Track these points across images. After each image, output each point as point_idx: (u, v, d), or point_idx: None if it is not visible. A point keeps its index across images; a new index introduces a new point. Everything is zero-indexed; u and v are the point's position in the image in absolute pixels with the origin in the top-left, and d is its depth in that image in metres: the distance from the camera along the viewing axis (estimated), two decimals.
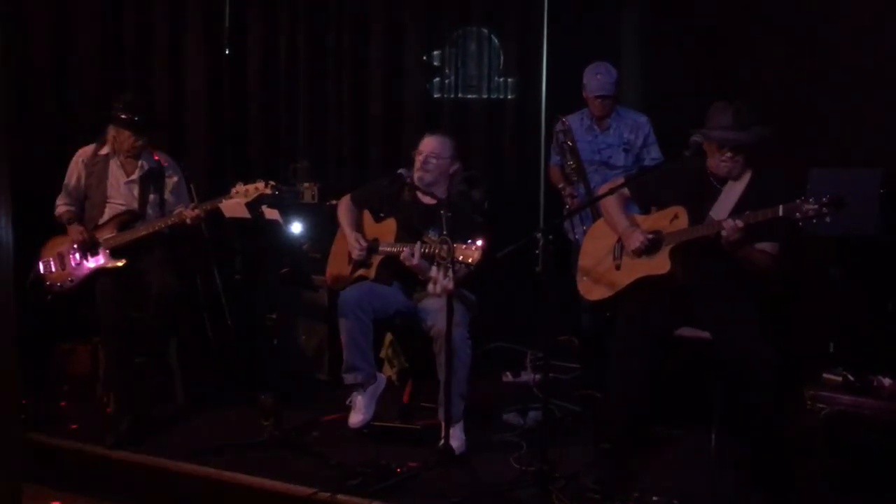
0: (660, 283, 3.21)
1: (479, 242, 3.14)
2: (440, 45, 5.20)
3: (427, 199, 3.72)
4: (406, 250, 3.49)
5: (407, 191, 3.77)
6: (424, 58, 5.20)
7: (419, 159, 3.69)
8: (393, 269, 3.71)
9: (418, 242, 3.49)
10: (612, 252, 3.43)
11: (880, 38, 4.19)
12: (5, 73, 4.47)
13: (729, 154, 3.14)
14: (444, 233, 3.21)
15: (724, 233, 2.98)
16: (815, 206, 2.78)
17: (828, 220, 2.78)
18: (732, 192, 3.19)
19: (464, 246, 3.15)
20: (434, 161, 3.68)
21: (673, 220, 3.24)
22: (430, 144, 3.71)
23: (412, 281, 3.68)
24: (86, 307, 3.92)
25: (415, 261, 3.47)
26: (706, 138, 3.16)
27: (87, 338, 4.38)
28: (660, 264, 3.21)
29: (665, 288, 3.22)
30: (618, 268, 3.39)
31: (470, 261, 3.14)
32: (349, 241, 3.79)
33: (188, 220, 3.83)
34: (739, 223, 2.95)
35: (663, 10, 4.82)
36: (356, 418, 3.65)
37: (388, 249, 3.68)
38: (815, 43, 4.37)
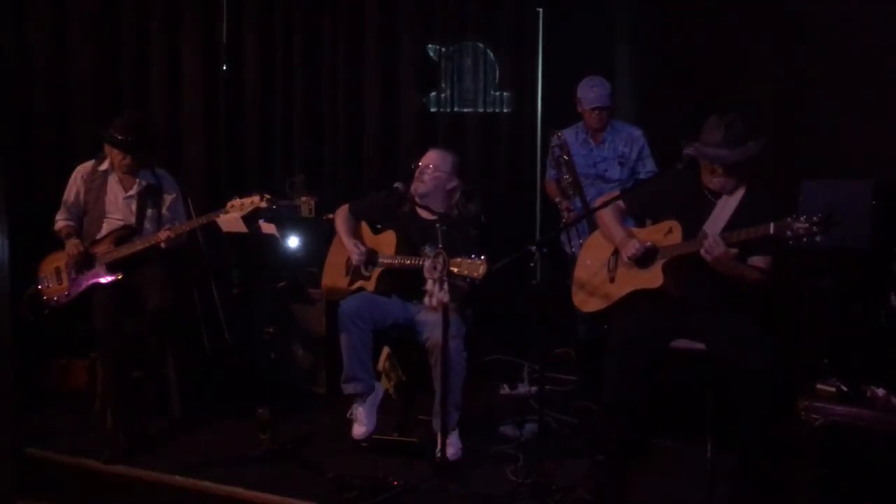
0: (654, 297, 3.23)
1: (483, 257, 3.15)
2: (436, 60, 5.24)
3: (425, 214, 3.74)
4: (428, 262, 3.43)
5: (405, 204, 3.80)
6: (420, 72, 5.24)
7: (418, 169, 3.74)
8: (392, 281, 3.74)
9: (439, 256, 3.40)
10: (607, 264, 3.45)
11: (871, 50, 4.23)
12: (3, 98, 4.53)
13: (721, 171, 3.16)
14: (440, 246, 3.23)
15: (702, 251, 3.00)
16: (806, 225, 2.79)
17: (818, 238, 2.79)
18: (726, 207, 3.21)
19: (468, 260, 3.16)
20: (431, 172, 3.72)
21: (667, 234, 3.26)
22: (430, 156, 3.78)
23: (410, 293, 3.70)
24: (83, 322, 3.93)
25: (437, 274, 3.38)
26: (699, 156, 3.19)
27: (84, 352, 4.38)
28: (653, 278, 3.23)
29: (659, 300, 3.23)
30: (612, 280, 3.41)
31: (475, 275, 3.15)
32: (349, 250, 3.80)
33: (161, 244, 3.84)
34: (718, 240, 2.96)
35: (656, 24, 4.87)
36: (359, 430, 3.66)
37: (389, 262, 3.70)
38: (807, 55, 4.41)
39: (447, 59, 5.23)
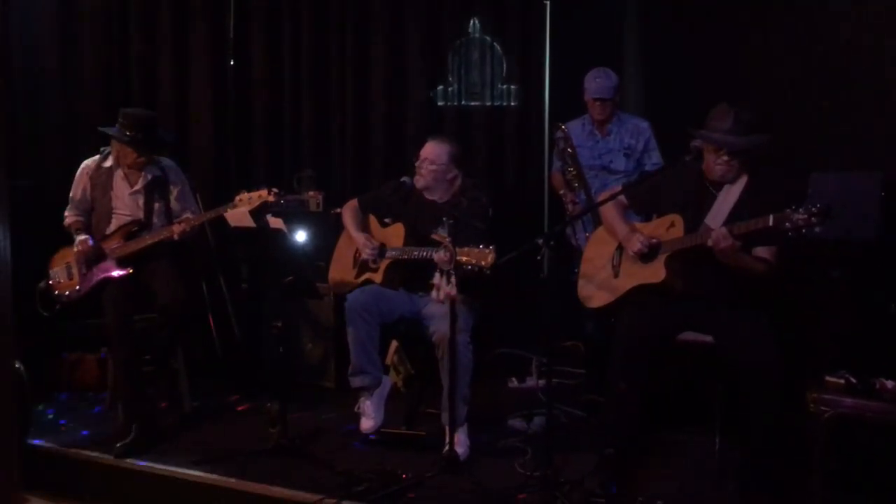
0: (657, 291, 3.23)
1: (492, 247, 3.17)
2: (443, 53, 5.24)
3: (437, 198, 3.80)
4: (441, 253, 3.41)
5: (413, 196, 3.84)
6: (427, 66, 5.24)
7: (417, 163, 3.79)
8: (400, 274, 3.76)
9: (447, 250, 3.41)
10: (612, 259, 3.45)
11: (880, 42, 4.20)
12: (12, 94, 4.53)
13: (725, 157, 3.16)
14: (449, 239, 3.24)
15: (710, 242, 3.00)
16: (805, 216, 2.79)
17: (817, 230, 2.78)
18: (728, 199, 3.21)
19: (476, 250, 3.18)
20: (428, 166, 3.76)
21: (669, 228, 3.26)
22: (427, 149, 3.81)
23: (417, 285, 3.71)
24: (94, 317, 3.96)
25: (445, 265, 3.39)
26: (705, 139, 3.18)
27: (95, 347, 4.41)
28: (655, 273, 3.23)
29: (664, 294, 3.23)
30: (616, 275, 3.41)
31: (484, 264, 3.16)
32: (359, 243, 3.82)
33: (175, 237, 3.86)
34: (725, 232, 2.96)
35: (664, 16, 4.85)
36: (367, 424, 3.68)
37: (397, 253, 3.71)
38: (815, 47, 4.38)
39: (454, 52, 5.22)
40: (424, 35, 5.22)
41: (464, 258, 3.18)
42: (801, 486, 3.08)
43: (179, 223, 3.89)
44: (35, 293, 4.04)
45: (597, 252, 3.55)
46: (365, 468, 3.33)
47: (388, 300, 3.72)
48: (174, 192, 4.12)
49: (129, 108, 4.10)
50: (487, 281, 3.32)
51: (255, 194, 3.76)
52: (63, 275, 4.04)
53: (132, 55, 5.31)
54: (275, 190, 3.75)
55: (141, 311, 3.92)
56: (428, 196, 3.78)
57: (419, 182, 3.79)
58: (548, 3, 4.91)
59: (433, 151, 3.79)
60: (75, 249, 3.99)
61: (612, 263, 3.45)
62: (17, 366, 3.99)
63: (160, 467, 3.50)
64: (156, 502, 3.49)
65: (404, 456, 3.51)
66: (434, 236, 3.53)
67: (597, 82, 4.18)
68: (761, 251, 3.12)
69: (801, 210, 2.80)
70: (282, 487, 3.25)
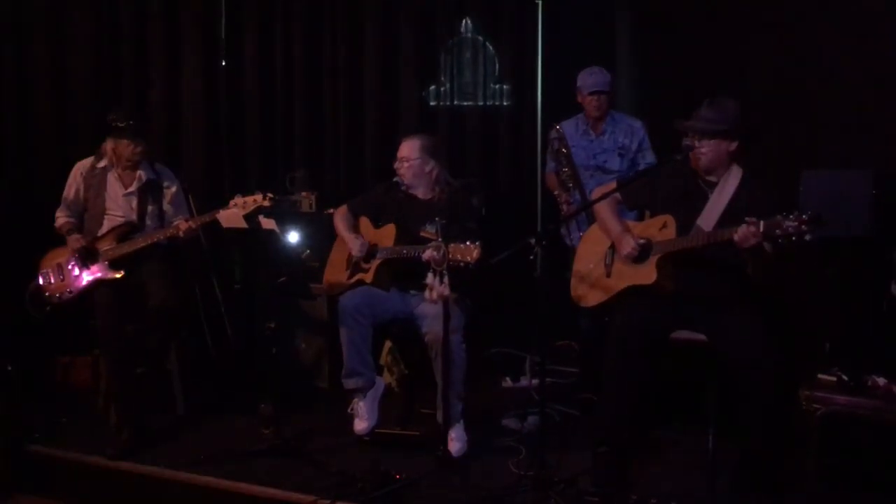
0: (649, 292, 3.24)
1: (478, 242, 3.18)
2: (435, 53, 5.24)
3: (421, 195, 3.83)
4: (429, 251, 3.38)
5: (404, 196, 3.87)
6: (420, 66, 5.24)
7: (396, 164, 3.86)
8: (390, 273, 3.76)
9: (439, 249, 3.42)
10: (604, 258, 3.45)
11: (872, 39, 4.22)
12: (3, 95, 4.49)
13: (696, 142, 3.17)
14: (440, 239, 3.24)
15: (736, 237, 2.94)
16: (795, 223, 2.76)
17: (807, 237, 2.76)
18: (720, 199, 3.20)
19: (462, 246, 3.19)
20: (404, 163, 3.82)
21: (662, 228, 3.26)
22: (401, 149, 3.87)
23: (408, 283, 3.72)
24: (85, 319, 3.94)
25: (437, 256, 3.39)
26: (678, 127, 3.20)
27: (87, 349, 4.40)
28: (647, 274, 3.22)
29: (657, 294, 3.24)
30: (608, 275, 3.41)
31: (469, 259, 3.17)
32: (349, 242, 3.83)
33: (181, 234, 3.85)
34: (753, 229, 2.89)
35: (657, 16, 4.86)
36: (361, 425, 3.68)
37: (387, 254, 3.72)
38: (808, 46, 4.40)
39: (447, 52, 5.22)
40: (417, 35, 5.21)
41: (449, 255, 3.19)
42: (795, 482, 3.09)
43: (187, 221, 3.88)
44: (25, 295, 4.02)
45: (590, 251, 3.55)
46: (359, 469, 3.32)
47: (381, 301, 3.72)
48: (168, 195, 4.11)
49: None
50: (476, 278, 3.33)
51: (250, 198, 3.75)
52: (54, 276, 4.02)
53: (123, 56, 5.28)
54: (269, 194, 3.75)
55: (133, 313, 3.90)
56: (414, 194, 3.83)
57: (402, 181, 3.85)
58: (540, 2, 4.91)
59: (406, 149, 3.84)
60: (68, 250, 3.98)
61: (604, 262, 3.44)
62: (8, 368, 4.00)
63: (153, 469, 3.49)
64: None
65: (398, 456, 3.51)
66: (423, 233, 3.54)
67: (592, 77, 4.20)
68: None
69: (791, 217, 2.77)
70: (276, 488, 3.25)
